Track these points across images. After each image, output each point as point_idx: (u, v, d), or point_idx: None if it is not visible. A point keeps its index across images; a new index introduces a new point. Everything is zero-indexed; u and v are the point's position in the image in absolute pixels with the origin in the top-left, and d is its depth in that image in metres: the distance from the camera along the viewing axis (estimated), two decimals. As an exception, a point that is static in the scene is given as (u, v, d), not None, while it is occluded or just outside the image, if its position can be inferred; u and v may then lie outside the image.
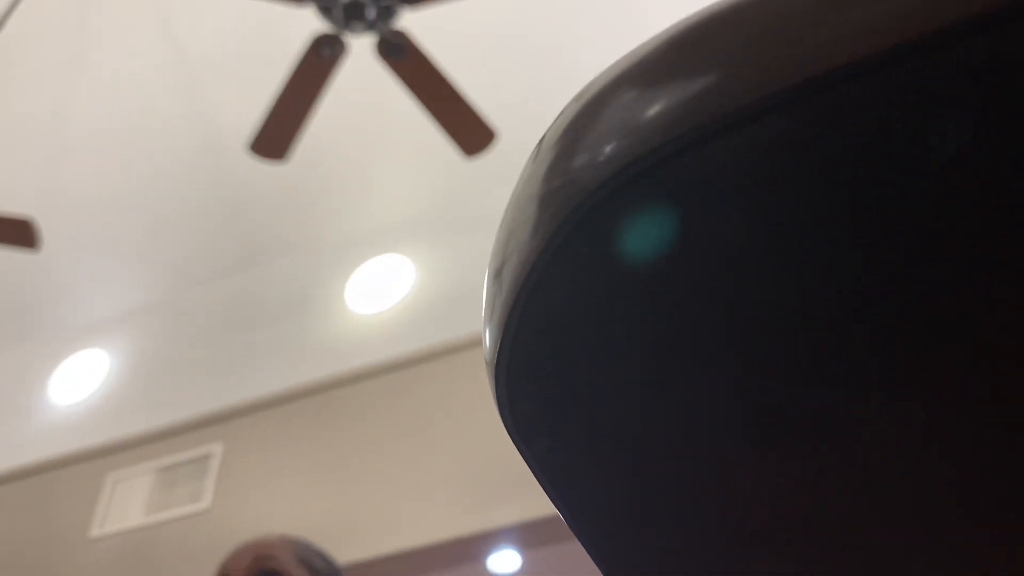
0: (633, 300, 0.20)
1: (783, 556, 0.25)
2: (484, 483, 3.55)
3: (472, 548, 3.60)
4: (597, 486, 0.25)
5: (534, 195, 0.20)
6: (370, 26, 2.92)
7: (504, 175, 3.69)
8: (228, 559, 1.04)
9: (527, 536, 3.53)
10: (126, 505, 4.37)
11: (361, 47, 3.32)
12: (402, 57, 2.95)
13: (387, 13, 2.89)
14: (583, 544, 0.27)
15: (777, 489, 0.23)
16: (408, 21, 3.17)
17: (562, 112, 0.21)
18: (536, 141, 0.23)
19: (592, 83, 0.21)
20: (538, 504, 3.34)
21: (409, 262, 4.85)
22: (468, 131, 3.15)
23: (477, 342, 4.05)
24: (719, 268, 0.19)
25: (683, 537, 0.25)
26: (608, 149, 0.18)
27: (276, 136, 3.14)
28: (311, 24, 3.36)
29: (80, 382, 5.18)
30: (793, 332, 0.19)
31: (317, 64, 3.00)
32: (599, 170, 0.18)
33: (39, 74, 4.97)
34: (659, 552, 0.26)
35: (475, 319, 4.15)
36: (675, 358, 0.20)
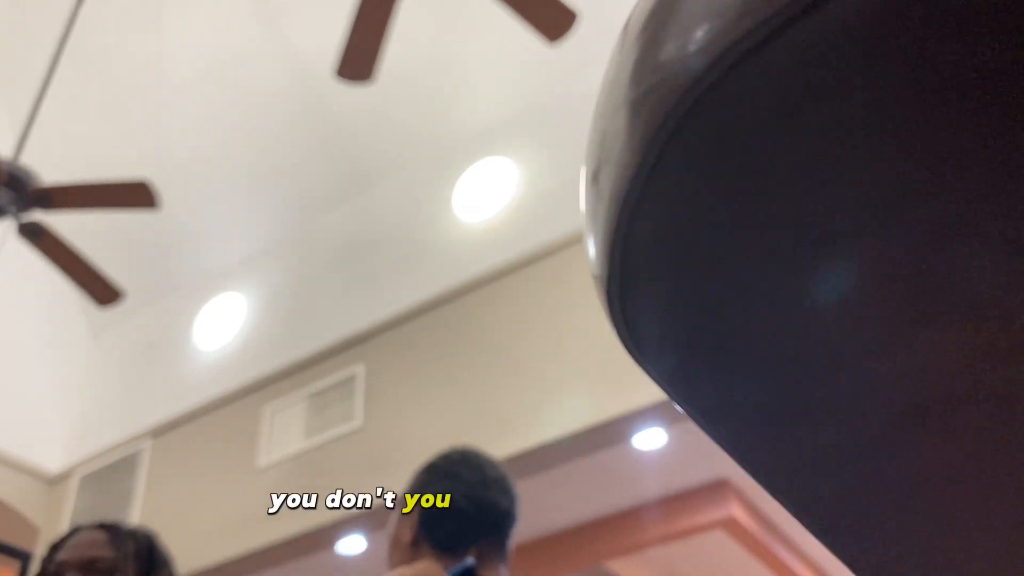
0: (753, 193, 0.17)
1: (937, 436, 0.23)
2: (619, 367, 3.57)
3: (616, 430, 3.64)
4: (733, 393, 0.23)
5: (623, 98, 0.18)
6: None
7: (593, 54, 3.59)
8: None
9: (669, 413, 3.54)
10: (286, 433, 4.62)
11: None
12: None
13: None
14: (725, 449, 0.25)
15: (931, 364, 0.21)
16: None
17: None
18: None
19: None
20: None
21: (510, 162, 4.82)
22: (548, 16, 3.04)
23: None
24: (862, 134, 0.16)
25: (830, 428, 0.24)
26: (700, 34, 0.16)
27: (360, 57, 3.12)
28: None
29: (221, 325, 5.44)
30: (931, 200, 0.17)
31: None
32: (692, 61, 0.16)
33: (124, 41, 5.09)
34: (807, 447, 0.24)
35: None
36: (825, 229, 0.18)
